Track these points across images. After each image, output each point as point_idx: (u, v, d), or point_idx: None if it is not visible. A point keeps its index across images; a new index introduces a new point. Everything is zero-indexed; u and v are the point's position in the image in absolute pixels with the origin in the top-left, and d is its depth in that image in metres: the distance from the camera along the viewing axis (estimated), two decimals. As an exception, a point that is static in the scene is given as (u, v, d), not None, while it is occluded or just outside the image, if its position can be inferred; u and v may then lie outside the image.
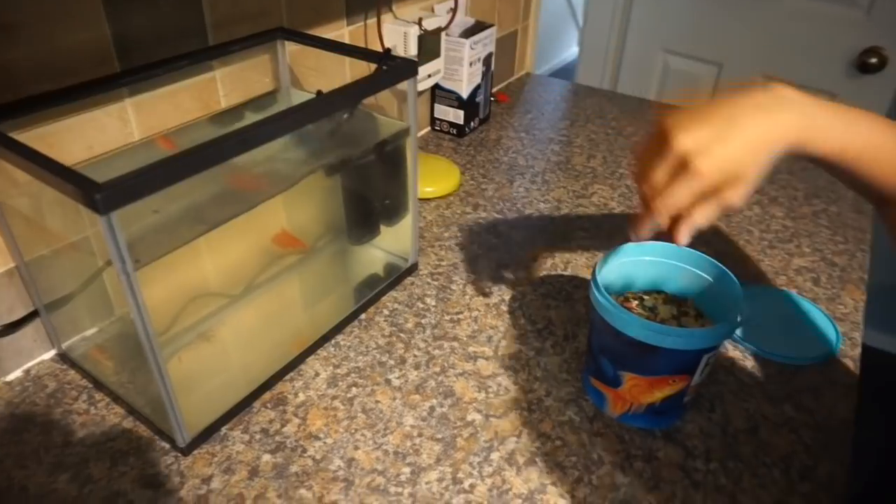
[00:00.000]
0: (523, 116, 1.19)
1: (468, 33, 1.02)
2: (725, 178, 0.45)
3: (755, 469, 0.56)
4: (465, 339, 0.69)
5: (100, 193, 0.41)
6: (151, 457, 0.56)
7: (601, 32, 2.00)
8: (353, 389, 0.63)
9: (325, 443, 0.58)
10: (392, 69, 0.62)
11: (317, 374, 0.65)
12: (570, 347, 0.68)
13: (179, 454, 0.56)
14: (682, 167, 0.45)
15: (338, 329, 0.70)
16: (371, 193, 0.71)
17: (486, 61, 1.08)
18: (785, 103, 0.46)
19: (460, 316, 0.72)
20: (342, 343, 0.68)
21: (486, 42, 1.05)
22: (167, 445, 0.57)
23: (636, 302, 0.63)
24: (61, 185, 0.43)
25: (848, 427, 0.61)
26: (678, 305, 0.62)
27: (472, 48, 1.01)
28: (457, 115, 1.08)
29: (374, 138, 0.67)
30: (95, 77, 0.59)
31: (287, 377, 0.64)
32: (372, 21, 0.88)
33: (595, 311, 0.56)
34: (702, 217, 0.48)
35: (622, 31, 1.96)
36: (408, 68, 0.63)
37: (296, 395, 0.62)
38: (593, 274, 0.57)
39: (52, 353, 0.66)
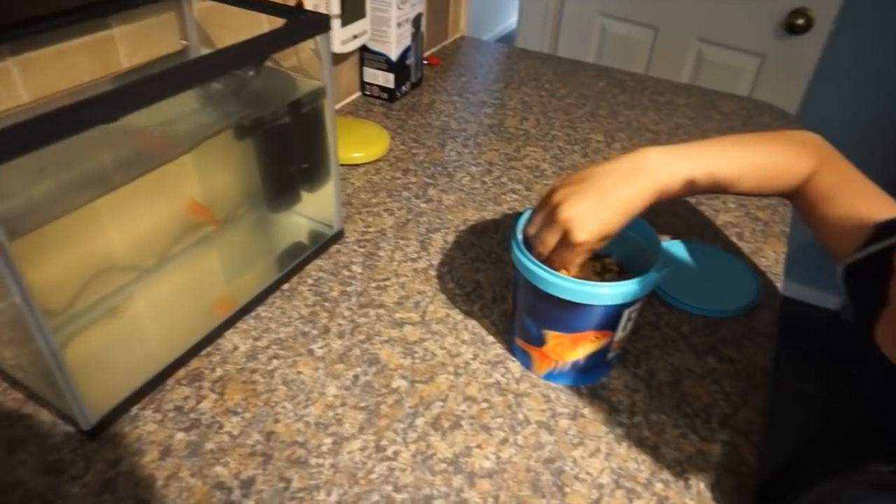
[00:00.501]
0: (456, 80, 1.16)
1: (394, -8, 0.98)
2: (596, 240, 0.53)
3: (677, 420, 0.57)
4: (391, 305, 0.67)
5: (-43, 155, 0.37)
6: (53, 442, 0.53)
7: (539, -4, 1.98)
8: (274, 361, 0.61)
9: (243, 417, 0.55)
10: (301, 24, 0.58)
11: (235, 348, 0.62)
12: (498, 309, 0.67)
13: (85, 438, 0.53)
14: (565, 234, 0.53)
15: (259, 300, 0.67)
16: (288, 158, 0.68)
17: (416, 22, 1.05)
18: (644, 169, 0.55)
19: (387, 283, 0.70)
20: (263, 315, 0.66)
21: (414, 2, 1.02)
22: (71, 429, 0.54)
23: None
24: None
25: (766, 374, 0.62)
26: (602, 262, 0.62)
27: (399, 8, 0.98)
28: (387, 79, 1.05)
29: (287, 99, 0.64)
30: (-31, 34, 0.54)
31: (204, 352, 0.61)
32: (289, -23, 0.84)
33: (517, 270, 0.55)
34: (565, 263, 0.55)
35: (560, -6, 1.94)
36: (318, 23, 0.59)
37: (213, 370, 0.60)
38: (513, 232, 0.56)
39: (-56, 337, 0.62)
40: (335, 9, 0.88)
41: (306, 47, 0.73)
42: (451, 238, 0.77)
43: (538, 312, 0.55)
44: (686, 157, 0.56)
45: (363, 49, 1.04)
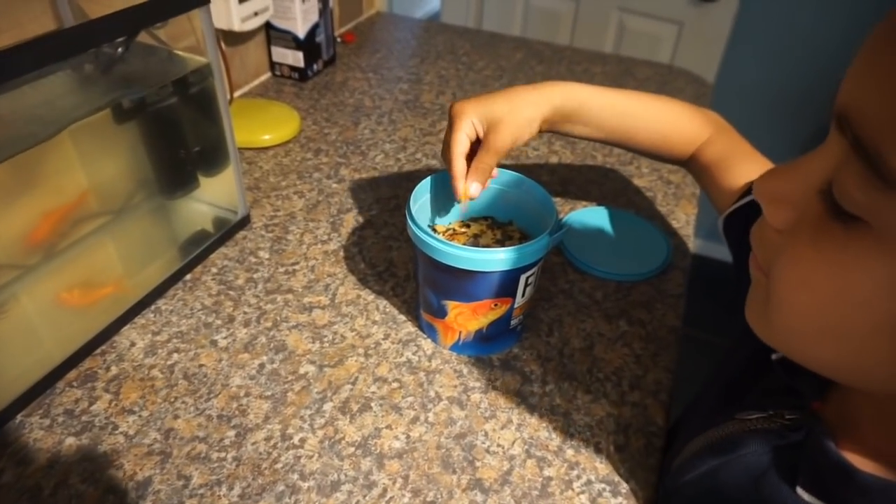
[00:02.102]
0: (371, 56, 1.14)
1: (297, -34, 0.94)
2: (486, 121, 0.56)
3: (589, 385, 0.57)
4: (300, 290, 0.65)
5: None
6: (-74, 459, 0.49)
7: (461, -30, 1.96)
8: (175, 356, 0.58)
9: (139, 416, 0.52)
10: (177, -4, 0.55)
11: (133, 344, 0.59)
12: (410, 287, 0.66)
13: (-38, 451, 0.49)
14: (450, 115, 0.57)
15: (158, 293, 0.64)
16: (179, 141, 0.64)
17: (323, -3, 1.01)
18: (546, 84, 0.59)
19: (296, 267, 0.68)
20: (163, 308, 0.62)
21: (319, -24, 0.98)
22: (-52, 443, 0.50)
23: (464, 230, 0.62)
24: None
25: (675, 333, 0.63)
26: (503, 230, 0.61)
27: (302, -18, 0.94)
28: (296, 58, 1.01)
29: (168, 77, 0.60)
30: None
31: (97, 351, 0.58)
32: (177, -49, 0.79)
33: (413, 243, 0.53)
34: (478, 162, 0.56)
35: (481, -32, 1.92)
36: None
37: (107, 369, 0.56)
38: (408, 203, 0.55)
39: None
40: (232, -16, 0.83)
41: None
42: (363, 218, 0.75)
43: (437, 284, 0.54)
44: (590, 88, 0.60)
45: (269, 27, 1.00)
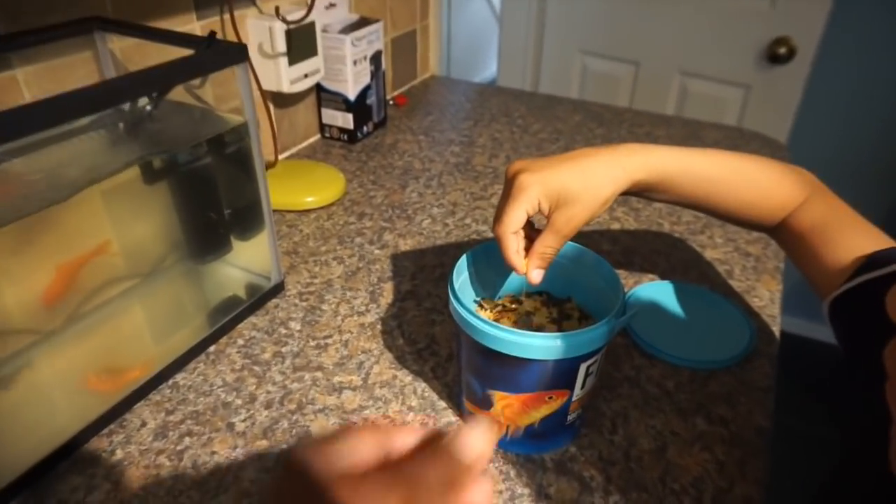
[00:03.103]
0: (423, 119, 1.10)
1: (350, 29, 0.93)
2: (553, 199, 0.48)
3: (663, 499, 0.48)
4: (330, 367, 0.59)
5: None
6: None
7: (518, 37, 1.96)
8: (186, 440, 0.52)
9: (139, 512, 0.46)
10: (211, 55, 0.52)
11: (143, 424, 0.53)
12: (453, 369, 0.59)
13: (-57, 544, 0.44)
14: (509, 185, 0.49)
15: (178, 366, 0.58)
16: (212, 203, 0.60)
17: (375, 60, 0.99)
18: (618, 150, 0.51)
19: (328, 341, 0.62)
20: (182, 383, 0.57)
21: (371, 39, 0.96)
22: (-70, 534, 0.45)
23: (515, 306, 0.54)
24: None
25: (764, 436, 0.53)
26: (560, 308, 0.54)
27: (354, 45, 0.92)
28: (346, 120, 0.99)
29: (201, 136, 0.57)
30: None
31: (106, 430, 0.53)
32: (228, 15, 0.78)
33: (455, 321, 0.46)
34: (541, 246, 0.49)
35: (538, 34, 1.92)
36: (232, 54, 0.53)
37: (112, 452, 0.51)
38: (451, 276, 0.48)
39: None
40: (280, 46, 0.82)
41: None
42: (405, 287, 0.69)
43: (481, 370, 0.47)
44: (671, 152, 0.53)
45: (319, 89, 0.98)
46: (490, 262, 0.54)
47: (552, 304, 0.56)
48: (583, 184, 0.48)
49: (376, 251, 0.75)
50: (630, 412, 0.55)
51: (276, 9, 0.79)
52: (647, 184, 0.52)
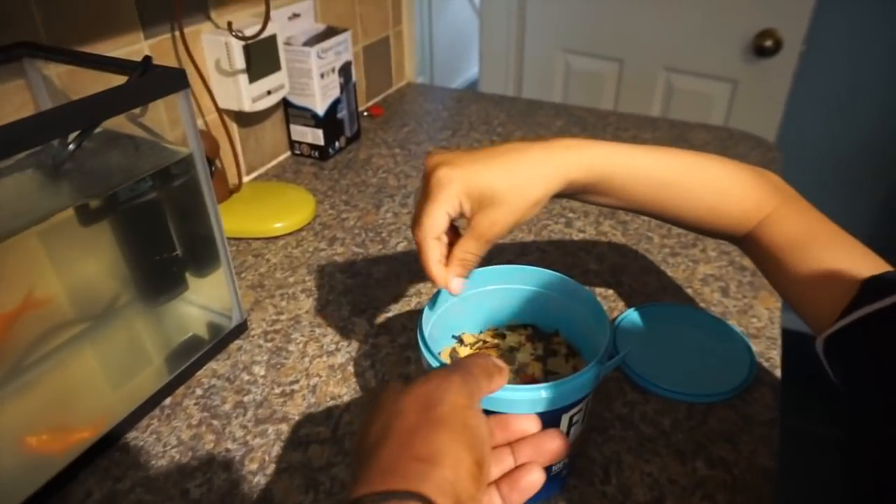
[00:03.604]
0: (399, 130, 1.05)
1: (316, 41, 0.88)
2: (475, 198, 0.43)
3: (661, 559, 0.43)
4: (296, 418, 0.54)
5: None
6: None
7: (499, 37, 1.91)
8: None
9: None
10: (148, 81, 0.47)
11: (88, 495, 0.48)
12: (430, 413, 0.54)
13: None
14: (427, 180, 0.44)
15: (130, 423, 0.53)
16: (160, 239, 0.55)
17: (344, 71, 0.94)
18: (553, 145, 0.46)
19: (294, 387, 0.57)
20: (133, 444, 0.52)
21: (338, 50, 0.91)
22: None
23: (497, 341, 0.51)
24: None
25: (770, 479, 0.48)
26: (545, 342, 0.50)
27: (320, 57, 0.87)
28: (315, 136, 0.94)
29: (142, 170, 0.52)
30: None
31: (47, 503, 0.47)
32: (178, 32, 0.73)
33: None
34: (461, 252, 0.45)
35: (520, 33, 1.87)
36: (171, 80, 0.48)
37: (53, 530, 0.46)
38: (419, 328, 0.44)
39: None
40: (239, 63, 0.77)
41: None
42: (378, 320, 0.64)
43: None
44: (615, 150, 0.47)
45: (286, 104, 0.93)
46: (476, 291, 0.50)
47: (538, 339, 0.52)
48: (509, 183, 0.43)
49: (348, 280, 0.70)
50: (623, 457, 0.50)
51: (229, 24, 0.74)
52: (585, 184, 0.46)
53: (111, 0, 0.65)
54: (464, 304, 0.50)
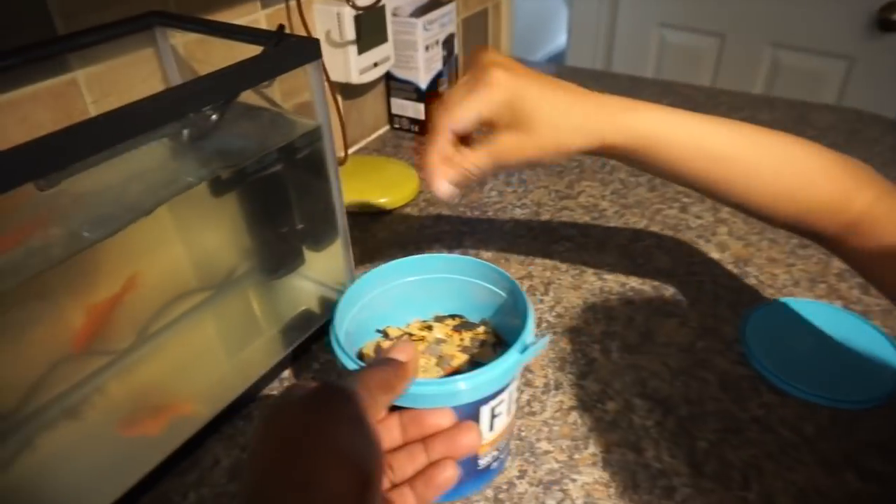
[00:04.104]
0: (497, 106, 1.02)
1: (421, 12, 0.86)
2: (514, 114, 0.40)
3: (814, 577, 0.40)
4: (414, 398, 0.53)
5: None
6: None
7: (589, 9, 1.84)
8: (262, 482, 0.47)
9: (214, 569, 0.42)
10: (281, 52, 0.46)
11: (216, 462, 0.49)
12: (552, 402, 0.52)
13: None
14: (478, 74, 0.41)
15: (250, 395, 0.54)
16: (283, 213, 0.55)
17: (447, 44, 0.92)
18: (607, 101, 0.43)
19: (410, 366, 0.56)
20: (256, 414, 0.53)
21: (443, 21, 0.89)
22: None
23: (424, 333, 0.50)
24: None
25: (936, 501, 0.44)
26: (472, 333, 0.49)
27: (425, 29, 0.85)
28: (416, 110, 0.92)
29: (275, 144, 0.51)
30: None
31: (179, 468, 0.49)
32: (295, 1, 0.72)
33: None
34: (467, 161, 0.42)
35: (613, 6, 1.79)
36: (305, 50, 0.47)
37: (185, 495, 0.47)
38: (333, 323, 0.43)
39: None
40: (349, 34, 0.76)
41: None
42: (490, 303, 0.62)
43: None
44: (663, 111, 0.42)
45: (388, 77, 0.91)
46: (395, 282, 0.49)
47: (465, 330, 0.50)
48: (555, 121, 0.41)
49: (456, 259, 0.68)
50: (763, 463, 0.47)
51: (347, -6, 0.72)
52: (626, 149, 0.42)
53: (232, -32, 0.65)
54: (387, 296, 0.49)
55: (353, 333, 0.46)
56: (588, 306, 0.61)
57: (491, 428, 0.42)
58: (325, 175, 0.55)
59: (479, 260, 0.49)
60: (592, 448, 0.48)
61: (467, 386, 0.38)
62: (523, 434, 0.50)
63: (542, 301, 0.62)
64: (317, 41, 0.47)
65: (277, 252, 0.57)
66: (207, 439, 0.51)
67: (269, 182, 0.52)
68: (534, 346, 0.40)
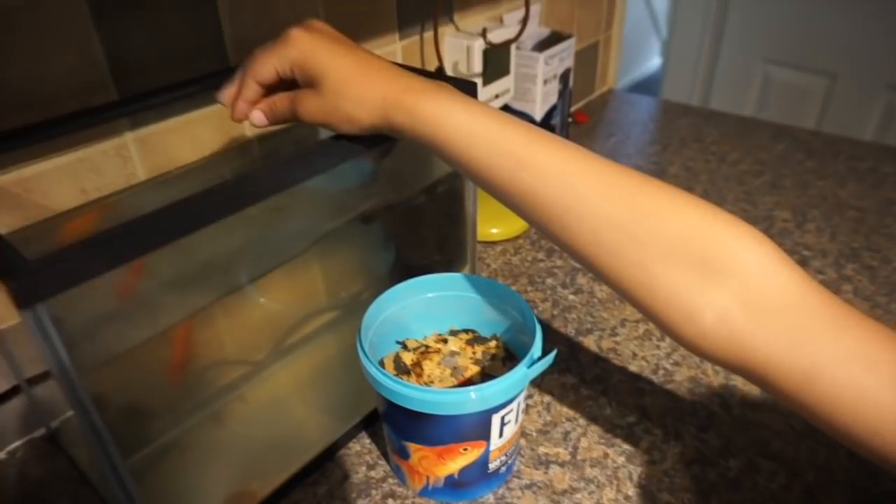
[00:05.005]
0: (606, 140, 1.03)
1: (542, 46, 0.87)
2: (305, 74, 0.40)
3: None
4: (534, 434, 0.54)
5: (19, 281, 0.29)
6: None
7: (690, 42, 1.82)
8: (390, 502, 0.49)
9: (347, 582, 0.44)
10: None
11: (345, 477, 0.51)
12: (672, 453, 0.52)
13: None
14: (284, 34, 0.41)
15: (376, 414, 0.56)
16: (419, 243, 0.58)
17: (564, 78, 0.93)
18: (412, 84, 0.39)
19: (528, 401, 0.57)
20: (380, 433, 0.55)
21: (563, 56, 0.90)
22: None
23: (440, 346, 0.53)
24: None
25: None
26: (484, 347, 0.53)
27: (546, 63, 0.87)
28: (528, 141, 0.94)
29: (424, 178, 0.54)
30: (85, 107, 0.49)
31: (309, 479, 0.51)
32: (429, 34, 0.75)
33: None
34: (277, 99, 0.42)
35: (715, 39, 1.77)
36: (465, 89, 0.49)
37: (317, 505, 0.49)
38: (363, 320, 0.48)
39: (42, 431, 0.56)
40: (477, 66, 0.78)
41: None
42: (605, 344, 0.63)
43: (394, 422, 0.46)
44: (460, 101, 0.38)
45: (505, 109, 0.93)
46: (415, 299, 0.53)
47: (478, 344, 0.53)
48: (337, 86, 0.39)
49: (570, 296, 0.69)
50: None
51: (484, 30, 0.75)
52: (413, 135, 0.39)
53: (377, 1, 0.69)
54: (407, 311, 0.52)
55: (376, 344, 0.49)
56: (707, 357, 0.61)
57: (500, 435, 0.45)
58: (460, 206, 0.57)
59: (493, 281, 0.52)
60: (716, 505, 0.48)
61: (478, 396, 0.41)
62: (643, 483, 0.50)
63: (658, 347, 0.62)
64: (475, 84, 0.49)
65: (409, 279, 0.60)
66: (336, 454, 0.53)
67: (414, 211, 0.55)
68: (541, 362, 0.43)
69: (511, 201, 0.37)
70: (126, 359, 0.40)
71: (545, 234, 0.37)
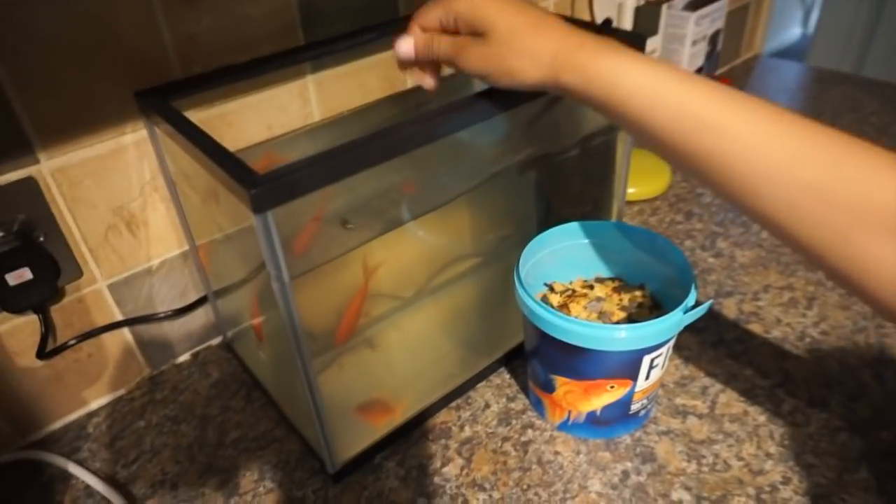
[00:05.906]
0: (751, 107, 0.99)
1: (694, 6, 0.85)
2: (471, 25, 0.40)
3: None
4: (671, 385, 0.55)
5: (255, 189, 0.34)
6: (298, 476, 0.50)
7: (848, 3, 1.67)
8: (529, 432, 0.52)
9: (490, 497, 0.48)
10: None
11: (487, 406, 0.55)
12: (817, 418, 0.51)
13: (329, 480, 0.50)
14: None
15: (517, 352, 0.59)
16: (568, 195, 0.59)
17: (713, 40, 0.90)
18: (586, 45, 0.37)
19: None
20: (520, 370, 0.58)
21: (714, 17, 0.87)
22: (316, 465, 0.51)
23: (586, 291, 0.54)
24: (219, 174, 0.36)
25: None
26: (631, 294, 0.53)
27: (697, 24, 0.84)
28: (669, 103, 0.92)
29: (580, 130, 0.55)
30: (278, 50, 0.54)
31: (453, 403, 0.55)
32: (582, -10, 0.76)
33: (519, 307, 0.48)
34: (440, 46, 0.42)
35: (875, 3, 1.62)
36: (632, 42, 0.49)
37: (461, 427, 0.53)
38: (518, 258, 0.50)
39: (219, 339, 0.64)
40: (627, 24, 0.77)
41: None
42: (747, 308, 0.62)
43: (544, 356, 0.48)
44: (633, 59, 0.36)
45: (647, 69, 0.92)
46: (563, 244, 0.54)
47: (624, 291, 0.54)
48: (507, 37, 0.38)
49: (710, 259, 0.69)
50: None
51: (641, -13, 0.74)
52: (583, 95, 0.37)
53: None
54: (556, 256, 0.54)
55: (526, 285, 0.50)
56: (859, 328, 0.59)
57: (647, 377, 0.47)
58: (613, 163, 0.58)
59: (650, 230, 0.52)
60: (864, 473, 0.47)
61: (627, 335, 0.43)
62: (786, 443, 0.50)
63: (804, 315, 0.61)
64: (643, 36, 0.50)
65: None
66: (478, 385, 0.57)
67: (566, 164, 0.57)
68: (696, 309, 0.44)
69: (687, 163, 0.35)
70: (317, 274, 0.45)
71: (721, 195, 0.35)
